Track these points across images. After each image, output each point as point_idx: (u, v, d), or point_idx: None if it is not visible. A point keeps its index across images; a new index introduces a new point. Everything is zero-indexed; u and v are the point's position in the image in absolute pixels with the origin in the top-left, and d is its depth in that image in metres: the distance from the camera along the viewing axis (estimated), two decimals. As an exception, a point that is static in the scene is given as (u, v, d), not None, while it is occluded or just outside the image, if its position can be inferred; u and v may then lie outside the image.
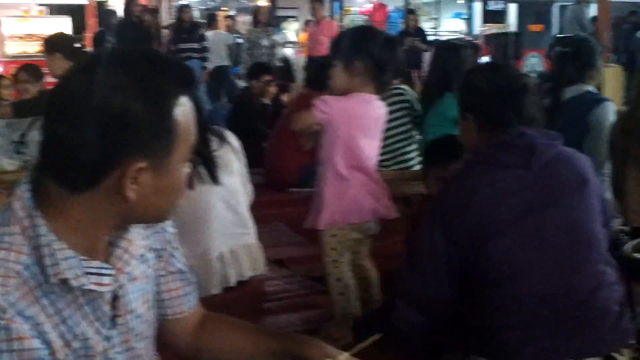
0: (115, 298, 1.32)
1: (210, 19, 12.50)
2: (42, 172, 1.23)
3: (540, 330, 2.07)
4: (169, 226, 1.50)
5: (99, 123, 1.15)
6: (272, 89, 7.12)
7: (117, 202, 1.22)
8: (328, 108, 2.80)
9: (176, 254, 1.52)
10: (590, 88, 4.09)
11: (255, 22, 10.74)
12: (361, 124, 2.86)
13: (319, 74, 5.79)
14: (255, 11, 11.30)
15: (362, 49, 2.82)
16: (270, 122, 6.94)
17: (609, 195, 3.86)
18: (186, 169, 1.28)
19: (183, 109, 1.22)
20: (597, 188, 2.22)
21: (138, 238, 1.38)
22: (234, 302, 3.17)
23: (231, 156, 3.34)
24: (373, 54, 2.80)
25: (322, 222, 2.87)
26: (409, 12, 13.06)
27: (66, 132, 1.17)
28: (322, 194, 2.87)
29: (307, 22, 13.39)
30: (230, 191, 3.29)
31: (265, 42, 10.40)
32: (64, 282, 1.21)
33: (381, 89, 2.91)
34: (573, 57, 4.09)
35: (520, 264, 2.08)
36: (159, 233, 1.47)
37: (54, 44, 4.96)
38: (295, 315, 3.03)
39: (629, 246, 2.58)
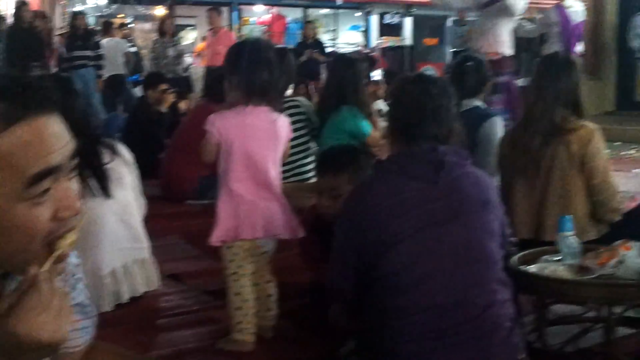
0: None
1: (106, 27, 12.24)
2: None
3: (433, 342, 2.11)
4: (73, 257, 1.44)
5: None
6: (170, 98, 7.04)
7: None
8: (214, 127, 2.87)
9: (79, 286, 1.46)
10: (479, 103, 4.22)
11: (160, 32, 10.63)
12: (251, 136, 2.87)
13: (216, 85, 5.77)
14: (160, 22, 11.18)
15: (233, 66, 2.89)
16: (168, 131, 6.87)
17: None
18: (32, 206, 1.09)
19: (2, 138, 1.06)
20: (499, 210, 2.30)
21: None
22: (127, 319, 3.10)
23: (123, 169, 3.27)
24: (240, 71, 2.86)
25: (213, 237, 2.87)
26: (308, 23, 13.15)
27: None
28: (216, 209, 2.88)
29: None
30: (123, 205, 3.22)
31: (170, 52, 10.32)
32: None
33: (270, 102, 2.94)
34: (474, 71, 4.24)
35: (418, 275, 2.12)
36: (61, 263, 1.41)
37: None
38: (190, 332, 2.98)
39: (515, 258, 2.65)
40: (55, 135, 1.11)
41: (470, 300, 2.14)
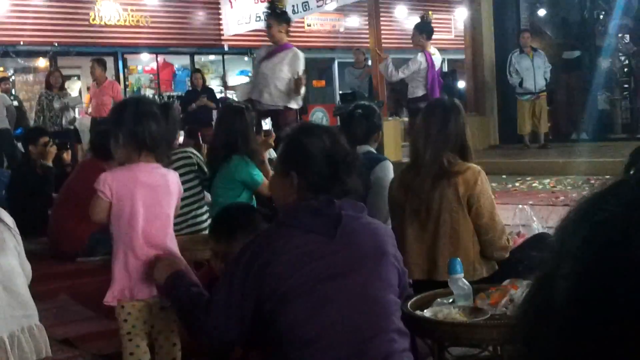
0: None
1: (-15, 81, 11.88)
2: None
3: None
4: None
5: None
6: (52, 150, 6.88)
7: None
8: (105, 187, 2.84)
9: None
10: (371, 148, 4.31)
11: (47, 85, 10.39)
12: (143, 194, 2.86)
13: (101, 140, 5.67)
14: (47, 74, 10.95)
15: (119, 121, 2.86)
16: (55, 184, 6.68)
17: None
18: None
19: None
20: (396, 260, 2.32)
21: None
22: (16, 391, 2.96)
23: (5, 234, 3.15)
24: (126, 126, 2.84)
25: (108, 297, 2.83)
26: (196, 72, 13.12)
27: None
28: (112, 268, 2.85)
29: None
30: (6, 272, 3.08)
31: (56, 104, 10.08)
32: None
33: (158, 158, 2.92)
34: (365, 120, 4.33)
35: (316, 330, 2.12)
36: None
37: None
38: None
39: (409, 303, 2.69)
40: None
41: (370, 351, 2.16)
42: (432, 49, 9.11)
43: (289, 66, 6.77)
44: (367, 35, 12.08)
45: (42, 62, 15.42)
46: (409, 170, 3.62)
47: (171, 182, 2.98)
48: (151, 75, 17.40)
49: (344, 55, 16.77)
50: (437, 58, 9.19)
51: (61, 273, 5.01)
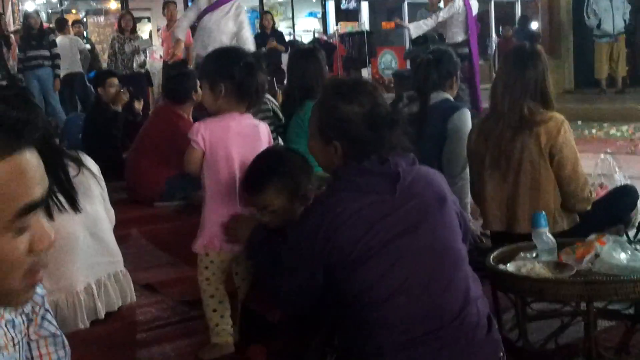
0: None
1: (60, 24, 12.04)
2: None
3: (415, 351, 2.10)
4: (39, 288, 1.42)
5: None
6: (124, 97, 6.95)
7: None
8: (200, 137, 2.82)
9: (48, 316, 1.45)
10: (448, 95, 4.23)
11: (119, 29, 10.45)
12: (237, 144, 2.86)
13: (176, 84, 5.72)
14: (119, 17, 10.98)
15: (224, 72, 2.83)
16: (126, 130, 6.77)
17: (469, 199, 4.01)
18: (13, 237, 1.09)
19: None
20: (454, 204, 2.29)
21: None
22: (105, 336, 3.06)
23: (90, 181, 3.22)
24: (235, 77, 2.82)
25: (198, 246, 2.87)
26: (265, 14, 13.02)
27: None
28: (202, 217, 2.87)
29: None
30: (93, 219, 3.17)
31: (127, 47, 10.15)
32: None
33: (250, 108, 2.93)
34: (436, 66, 4.23)
35: (391, 288, 2.11)
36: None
37: None
38: (170, 346, 2.94)
39: (491, 256, 2.66)
40: (35, 170, 1.10)
41: (446, 303, 2.15)
42: None
43: (234, 20, 6.61)
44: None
45: (113, 4, 15.57)
46: (489, 118, 3.56)
47: (262, 132, 3.00)
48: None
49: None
50: (474, 3, 9.21)
51: (139, 218, 5.09)
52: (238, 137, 2.87)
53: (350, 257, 2.11)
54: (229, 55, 2.96)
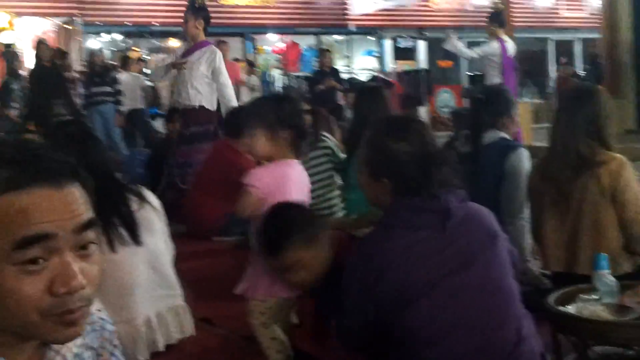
0: None
1: (124, 62, 12.35)
2: None
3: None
4: (108, 324, 1.45)
5: None
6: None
7: None
8: (259, 182, 2.88)
9: (117, 353, 1.46)
10: (504, 135, 4.20)
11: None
12: (291, 191, 2.92)
13: (234, 120, 5.81)
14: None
15: (286, 119, 2.89)
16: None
17: (528, 239, 3.97)
18: (20, 272, 1.12)
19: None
20: (505, 241, 2.28)
21: None
22: (163, 368, 3.10)
23: (152, 215, 3.28)
24: (298, 125, 2.88)
25: (257, 293, 2.90)
26: (325, 52, 13.12)
27: None
28: (259, 263, 2.85)
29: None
30: (154, 252, 3.22)
31: None
32: None
33: (300, 154, 2.99)
34: (487, 105, 4.22)
35: (443, 327, 2.10)
36: (97, 331, 1.42)
37: None
38: (227, 379, 2.97)
39: (552, 298, 2.63)
40: (54, 208, 1.13)
41: (499, 342, 2.13)
42: (505, 37, 9.35)
43: (206, 65, 6.61)
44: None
45: (174, 42, 15.89)
46: (547, 158, 3.53)
47: (305, 175, 3.07)
48: (278, 56, 17.64)
49: (472, 35, 16.45)
50: (511, 45, 9.40)
51: (198, 252, 5.16)
52: (295, 185, 2.95)
53: (401, 295, 2.11)
54: (288, 102, 3.03)
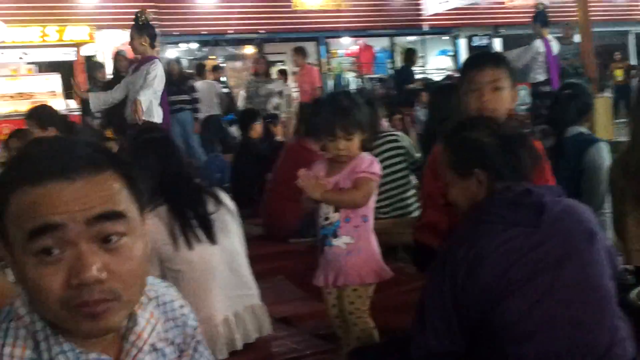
0: None
1: (199, 70, 12.58)
2: None
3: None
4: (191, 319, 1.47)
5: None
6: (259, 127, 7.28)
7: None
8: (378, 170, 3.04)
9: (200, 348, 1.48)
10: (584, 129, 4.13)
11: (255, 72, 10.84)
12: None
13: (310, 120, 5.86)
14: (254, 61, 11.38)
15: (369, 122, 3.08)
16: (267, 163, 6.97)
17: (610, 234, 3.87)
18: (38, 263, 1.15)
19: (18, 197, 1.17)
20: (604, 240, 2.21)
21: (148, 329, 1.34)
22: (241, 366, 3.13)
23: (227, 217, 3.33)
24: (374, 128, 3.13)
25: (369, 277, 3.02)
26: (412, 50, 13.05)
27: None
28: (366, 248, 3.03)
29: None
30: (230, 253, 3.26)
31: (262, 90, 10.51)
32: None
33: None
34: (574, 100, 4.16)
35: (536, 324, 2.04)
36: (179, 327, 1.44)
37: (45, 119, 4.87)
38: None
39: (634, 293, 2.55)
40: (64, 200, 1.15)
41: (593, 342, 2.06)
42: (550, 36, 9.86)
43: (143, 78, 6.60)
44: (572, 9, 11.56)
45: (249, 50, 16.11)
46: (628, 152, 3.43)
47: None
48: (352, 59, 17.66)
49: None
50: (555, 44, 9.88)
51: (274, 254, 5.20)
52: None
53: (493, 292, 2.06)
54: (372, 107, 3.13)
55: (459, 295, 2.10)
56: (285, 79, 12.58)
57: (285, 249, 5.39)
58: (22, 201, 1.15)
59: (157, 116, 6.72)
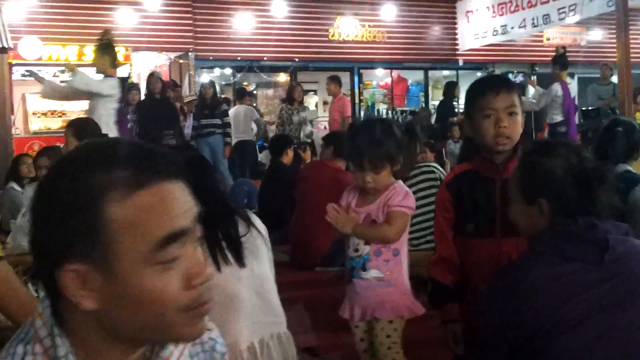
0: None
1: (240, 94, 12.65)
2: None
3: None
4: (219, 345, 1.38)
5: (38, 227, 1.08)
6: (306, 155, 7.27)
7: (90, 317, 1.10)
8: (413, 202, 2.99)
9: None
10: (630, 167, 4.01)
11: (289, 100, 10.83)
12: None
13: (338, 142, 5.81)
14: (289, 89, 11.36)
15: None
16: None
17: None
18: (160, 272, 1.08)
19: (125, 204, 1.06)
20: None
21: (178, 355, 1.24)
22: (266, 396, 3.01)
23: (258, 241, 3.22)
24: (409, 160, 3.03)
25: (404, 310, 2.98)
26: (453, 84, 13.11)
27: (37, 233, 1.10)
28: (396, 282, 2.98)
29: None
30: (259, 278, 3.16)
31: (295, 118, 10.50)
32: None
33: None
34: (626, 137, 4.05)
35: None
36: (207, 352, 1.34)
37: (83, 132, 4.86)
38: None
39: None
40: (178, 200, 1.10)
41: None
42: (568, 79, 10.72)
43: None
44: (612, 50, 11.43)
45: (282, 77, 16.13)
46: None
47: None
48: (385, 90, 17.63)
49: (584, 71, 15.99)
50: (572, 87, 10.75)
51: (301, 282, 5.11)
52: None
53: (544, 328, 1.92)
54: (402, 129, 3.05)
55: (510, 328, 1.98)
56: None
57: (312, 277, 5.30)
58: (137, 210, 1.06)
59: (112, 132, 7.11)
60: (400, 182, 3.03)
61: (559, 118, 10.41)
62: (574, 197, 2.07)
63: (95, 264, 1.06)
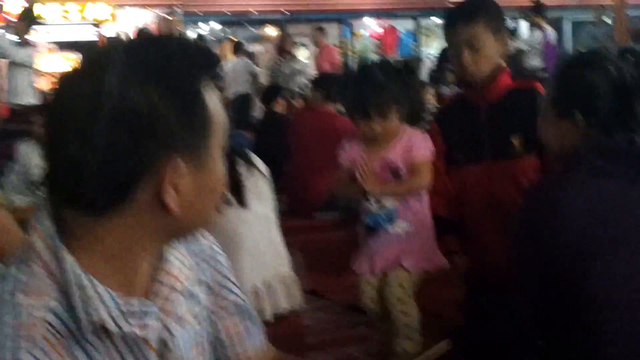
0: (161, 343, 1.11)
1: (238, 47, 12.44)
2: (55, 201, 1.03)
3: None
4: (218, 254, 1.31)
5: (115, 128, 0.96)
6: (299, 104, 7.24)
7: (156, 219, 1.02)
8: (432, 143, 2.82)
9: (230, 285, 1.32)
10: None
11: (279, 51, 10.72)
12: None
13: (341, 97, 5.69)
14: (280, 40, 11.26)
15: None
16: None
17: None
18: (221, 157, 1.10)
19: (211, 91, 1.06)
20: None
21: (181, 269, 1.16)
22: (273, 338, 2.95)
23: (261, 182, 3.16)
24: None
25: (426, 265, 2.83)
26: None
27: (76, 147, 0.96)
28: (422, 233, 2.82)
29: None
30: (263, 218, 3.11)
31: (286, 70, 10.38)
32: (100, 327, 1.01)
33: None
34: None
35: (632, 291, 1.79)
36: (207, 262, 1.27)
37: None
38: (338, 351, 2.82)
39: None
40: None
41: None
42: (547, 26, 10.78)
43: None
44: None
45: (270, 31, 15.95)
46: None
47: None
48: (376, 41, 17.46)
49: (578, 15, 15.83)
50: (553, 34, 10.89)
51: (300, 227, 5.04)
52: None
53: (581, 250, 1.80)
54: (404, 73, 2.92)
55: (543, 253, 1.86)
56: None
57: (312, 224, 5.25)
58: (219, 109, 1.09)
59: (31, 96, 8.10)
60: (406, 126, 2.88)
61: (538, 64, 10.42)
62: (611, 111, 1.95)
63: (191, 158, 1.03)
